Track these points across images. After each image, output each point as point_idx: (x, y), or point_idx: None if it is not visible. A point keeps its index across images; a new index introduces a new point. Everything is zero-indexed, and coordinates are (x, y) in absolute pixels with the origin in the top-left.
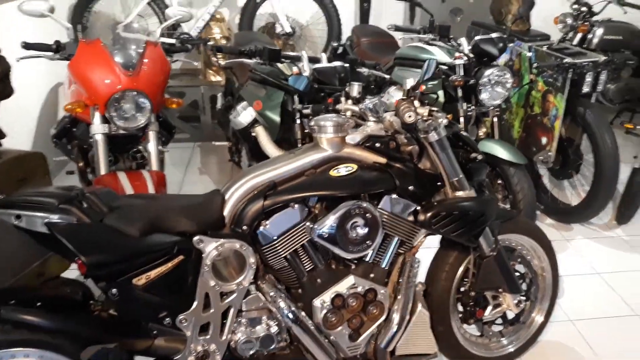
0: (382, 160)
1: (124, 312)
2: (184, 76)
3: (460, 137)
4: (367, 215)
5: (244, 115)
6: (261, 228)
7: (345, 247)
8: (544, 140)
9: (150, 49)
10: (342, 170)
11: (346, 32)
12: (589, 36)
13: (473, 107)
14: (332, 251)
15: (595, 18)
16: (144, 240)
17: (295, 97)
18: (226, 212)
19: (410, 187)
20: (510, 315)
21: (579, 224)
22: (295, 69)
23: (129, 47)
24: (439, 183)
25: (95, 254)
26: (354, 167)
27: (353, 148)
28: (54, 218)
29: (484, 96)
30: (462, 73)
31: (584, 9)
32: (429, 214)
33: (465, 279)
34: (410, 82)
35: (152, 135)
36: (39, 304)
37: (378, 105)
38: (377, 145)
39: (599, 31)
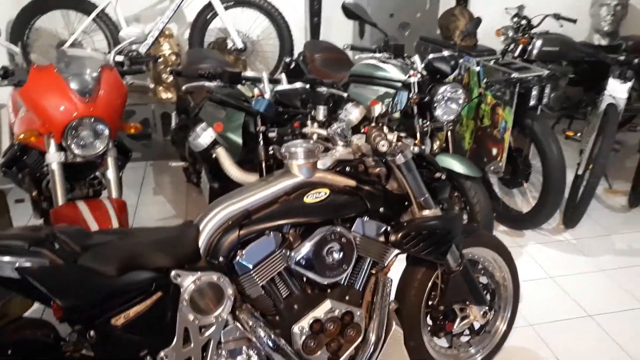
0: (352, 183)
1: (103, 354)
2: (133, 93)
3: (424, 157)
4: (343, 239)
5: (204, 136)
6: (237, 258)
7: (322, 273)
8: (494, 151)
9: (106, 73)
10: (315, 195)
11: (298, 47)
12: (529, 48)
13: (428, 122)
14: (309, 277)
15: (534, 30)
16: (121, 279)
17: (258, 119)
18: (201, 243)
19: (381, 209)
20: (476, 325)
21: (530, 230)
22: (256, 91)
23: (83, 71)
24: (406, 203)
25: (72, 297)
26: (327, 191)
27: (324, 173)
28: (25, 262)
29: (438, 112)
30: (416, 90)
31: (523, 22)
32: (399, 235)
33: (433, 293)
34: (378, 109)
35: (110, 161)
36: (9, 351)
37: (345, 129)
38: (347, 169)
39: (538, 43)
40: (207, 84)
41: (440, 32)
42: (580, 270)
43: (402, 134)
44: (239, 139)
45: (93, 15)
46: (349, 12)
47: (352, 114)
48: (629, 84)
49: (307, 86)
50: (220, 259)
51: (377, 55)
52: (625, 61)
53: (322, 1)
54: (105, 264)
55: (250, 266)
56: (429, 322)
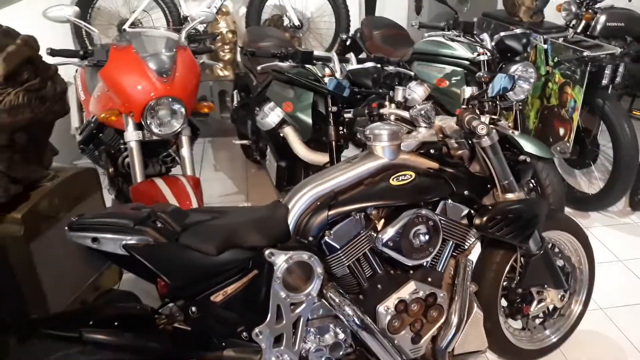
0: (435, 165)
1: (202, 329)
2: None
3: (507, 139)
4: (429, 222)
5: (272, 116)
6: (326, 238)
7: (408, 255)
8: (561, 131)
9: (181, 53)
10: (401, 178)
11: (353, 25)
12: (592, 23)
13: (498, 102)
14: (395, 259)
15: (597, 5)
16: (220, 257)
17: (328, 99)
18: (290, 223)
19: (465, 192)
20: (551, 307)
21: (595, 212)
22: (327, 71)
23: (160, 51)
24: (488, 185)
25: (178, 275)
26: (412, 174)
27: (408, 155)
28: (132, 240)
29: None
30: (486, 69)
31: None
32: (485, 218)
33: (509, 275)
34: (468, 91)
35: (185, 140)
36: (116, 323)
37: (429, 111)
38: (431, 151)
39: (602, 18)
40: (280, 64)
41: (505, 8)
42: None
43: (495, 117)
44: (308, 119)
45: None
46: None
47: (417, 92)
48: None
49: (379, 66)
50: (310, 238)
51: (447, 33)
52: None
53: None
54: (205, 243)
55: (338, 246)
56: (504, 304)
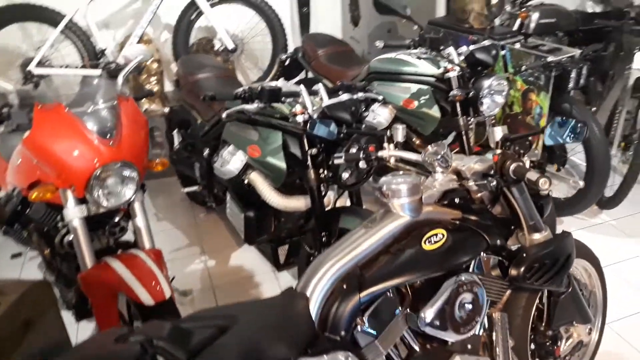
0: (459, 214)
1: None
2: None
3: None
4: (474, 289)
5: (234, 161)
6: (358, 327)
7: (456, 330)
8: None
9: (123, 105)
10: (433, 240)
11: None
12: (526, 22)
13: (472, 119)
14: (440, 337)
15: (529, 3)
16: None
17: (304, 140)
18: (313, 314)
19: (498, 242)
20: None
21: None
22: (298, 107)
23: (98, 106)
24: (512, 227)
25: None
26: (443, 232)
27: (431, 207)
28: None
29: (485, 107)
30: (456, 85)
31: None
32: (522, 269)
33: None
34: (499, 132)
35: (138, 207)
36: None
37: (447, 153)
38: (456, 200)
39: (535, 16)
40: (246, 106)
41: (454, 14)
42: (632, 254)
43: (534, 159)
44: (282, 164)
45: (62, 25)
46: (381, 7)
47: (382, 115)
48: None
49: (356, 97)
50: (342, 333)
51: (414, 51)
52: None
53: None
54: None
55: (375, 333)
56: (531, 346)
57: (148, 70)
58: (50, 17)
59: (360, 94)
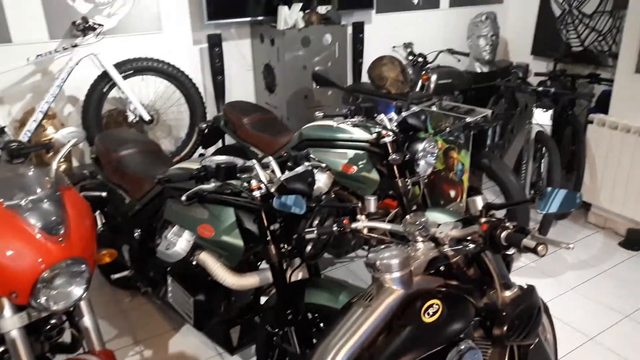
0: (441, 281)
1: None
2: None
3: None
4: (475, 355)
5: (181, 243)
6: None
7: None
8: (452, 193)
9: (67, 194)
10: (430, 312)
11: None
12: (427, 83)
13: (409, 180)
14: None
15: (427, 66)
16: None
17: (262, 215)
18: None
19: (481, 305)
20: None
21: None
22: (254, 183)
23: (40, 199)
24: (485, 287)
25: None
26: (438, 303)
27: (419, 278)
28: None
29: (420, 168)
30: (391, 149)
31: (420, 59)
32: (505, 328)
33: None
34: (480, 201)
35: (85, 306)
36: None
37: (427, 222)
38: (441, 268)
39: (434, 77)
40: (203, 186)
41: (372, 82)
42: (554, 293)
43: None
44: (239, 242)
45: None
46: (320, 79)
47: (321, 180)
48: (551, 112)
49: (311, 168)
50: None
51: (353, 120)
52: (543, 92)
53: (224, 57)
54: None
55: None
56: None
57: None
58: None
59: (307, 163)
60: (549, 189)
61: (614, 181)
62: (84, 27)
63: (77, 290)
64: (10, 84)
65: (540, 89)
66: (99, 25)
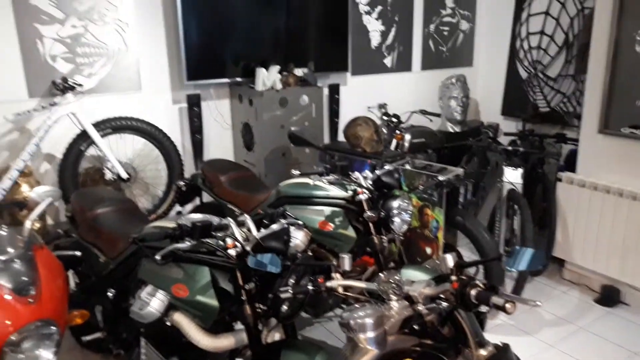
0: (416, 341)
1: None
2: None
3: None
4: None
5: (155, 303)
6: None
7: None
8: (428, 250)
9: (39, 255)
10: None
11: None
12: (401, 142)
13: (384, 237)
14: None
15: (402, 126)
16: None
17: (237, 274)
18: None
19: None
20: None
21: None
22: (229, 241)
23: (11, 259)
24: (459, 345)
25: None
26: None
27: (393, 337)
28: None
29: (396, 226)
30: (367, 207)
31: (394, 119)
32: None
33: None
34: (450, 259)
35: None
36: None
37: (401, 281)
38: (415, 327)
39: (407, 137)
40: (178, 245)
41: (348, 141)
42: (532, 351)
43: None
44: (214, 302)
45: None
46: (296, 139)
47: (298, 237)
48: (521, 170)
49: (287, 226)
50: None
51: (329, 177)
52: (512, 151)
53: (203, 115)
54: None
55: None
56: None
57: (30, 205)
58: None
59: (284, 220)
60: (517, 247)
61: (585, 238)
62: (64, 87)
63: (46, 354)
64: None
65: (510, 148)
66: (79, 85)
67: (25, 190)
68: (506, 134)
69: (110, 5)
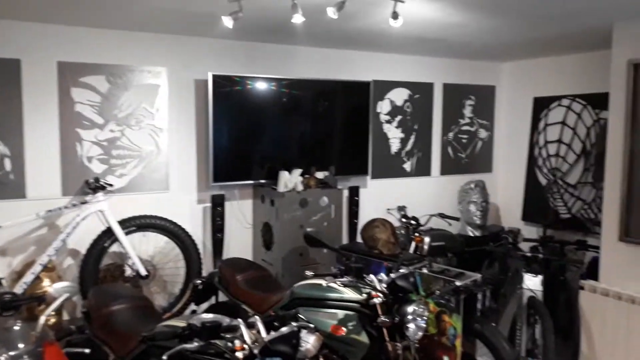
0: None
1: None
2: None
3: None
4: None
5: None
6: None
7: None
8: (445, 359)
9: (49, 351)
10: None
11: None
12: (420, 245)
13: (399, 344)
14: None
15: (421, 229)
16: None
17: None
18: None
19: None
20: None
21: None
22: (237, 343)
23: (21, 354)
24: None
25: None
26: None
27: None
28: None
29: (410, 332)
30: (381, 311)
31: (413, 222)
32: None
33: None
34: None
35: None
36: None
37: None
38: None
39: (427, 239)
40: (186, 345)
41: (365, 243)
42: None
43: None
44: None
45: None
46: (311, 239)
47: (309, 342)
48: (541, 277)
49: (296, 329)
50: None
51: (343, 280)
52: (532, 257)
53: (225, 214)
54: None
55: None
56: None
57: (48, 300)
58: None
59: (294, 324)
60: None
61: (613, 352)
62: (95, 186)
63: None
64: (15, 236)
65: (529, 254)
66: (109, 184)
67: (46, 284)
68: (526, 240)
69: (147, 113)
